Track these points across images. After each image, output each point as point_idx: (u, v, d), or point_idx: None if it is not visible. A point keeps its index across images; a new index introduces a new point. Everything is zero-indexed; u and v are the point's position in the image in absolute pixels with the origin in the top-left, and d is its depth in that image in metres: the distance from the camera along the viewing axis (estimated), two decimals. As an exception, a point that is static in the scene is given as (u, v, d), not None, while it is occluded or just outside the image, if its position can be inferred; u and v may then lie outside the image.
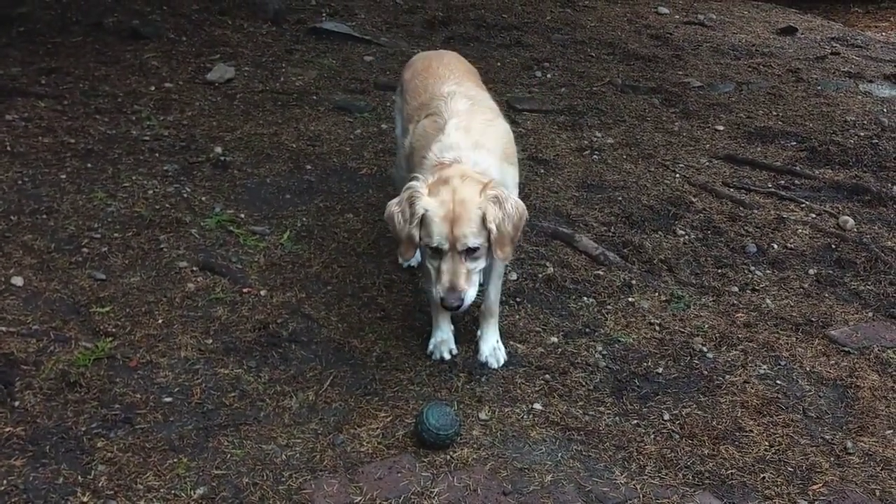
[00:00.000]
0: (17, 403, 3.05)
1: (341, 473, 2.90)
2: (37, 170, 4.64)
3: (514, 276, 4.13)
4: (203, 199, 4.56)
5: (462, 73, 3.75)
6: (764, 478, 3.05)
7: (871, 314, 4.12)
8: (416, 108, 3.56)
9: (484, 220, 3.00)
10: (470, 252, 3.01)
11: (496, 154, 3.27)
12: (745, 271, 4.41)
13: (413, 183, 3.08)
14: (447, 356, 3.51)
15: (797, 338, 3.88)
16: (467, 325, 3.68)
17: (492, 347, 3.52)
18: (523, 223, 3.15)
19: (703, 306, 4.06)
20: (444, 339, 3.52)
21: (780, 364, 3.69)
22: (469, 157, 3.16)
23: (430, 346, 3.53)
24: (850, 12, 11.42)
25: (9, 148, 4.83)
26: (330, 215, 4.55)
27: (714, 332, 3.85)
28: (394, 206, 3.12)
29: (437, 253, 3.03)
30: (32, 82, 5.72)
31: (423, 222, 3.04)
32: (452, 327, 3.56)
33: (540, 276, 4.16)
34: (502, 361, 3.51)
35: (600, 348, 3.68)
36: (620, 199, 5.02)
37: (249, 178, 4.85)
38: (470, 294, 3.03)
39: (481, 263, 3.11)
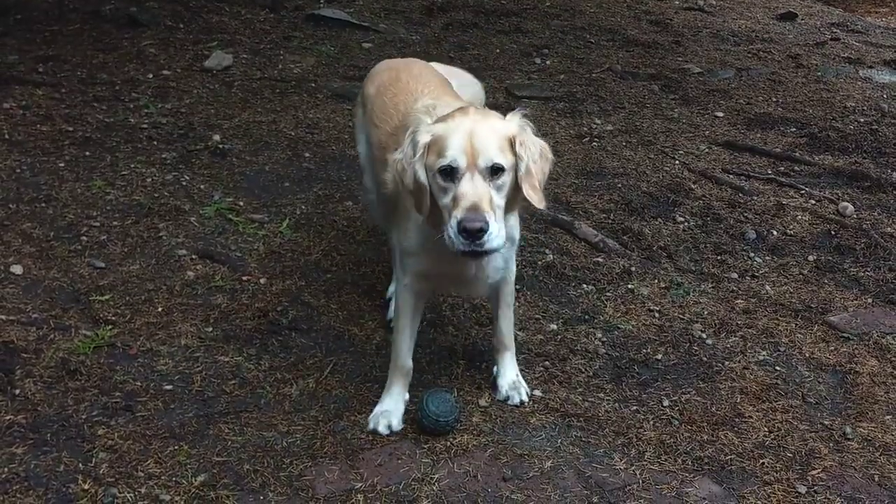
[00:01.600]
0: (17, 391, 3.06)
1: (342, 460, 2.91)
2: (35, 158, 4.63)
3: (513, 264, 4.12)
4: (202, 187, 4.56)
5: (437, 85, 3.20)
6: (763, 463, 3.06)
7: (870, 300, 4.12)
8: (390, 135, 3.03)
9: (510, 141, 2.58)
10: (494, 174, 2.54)
11: None
12: (745, 258, 4.41)
13: (418, 116, 2.70)
14: (384, 431, 2.99)
15: (796, 324, 3.88)
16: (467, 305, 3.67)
17: (511, 381, 3.20)
18: (550, 166, 2.74)
19: (702, 293, 4.07)
20: (387, 409, 3.02)
21: (779, 350, 3.69)
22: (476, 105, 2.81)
23: (371, 417, 3.03)
24: (850, -3, 11.36)
25: (7, 136, 4.81)
26: (329, 203, 4.54)
27: (713, 319, 3.86)
28: (397, 153, 2.68)
29: (452, 174, 2.52)
30: (30, 70, 5.70)
31: (433, 146, 2.55)
32: (406, 397, 3.10)
33: (539, 263, 4.16)
34: (525, 397, 3.17)
35: (600, 335, 3.69)
36: (620, 185, 5.01)
37: (248, 165, 4.84)
38: (494, 226, 2.46)
39: (504, 198, 2.59)
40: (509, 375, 3.24)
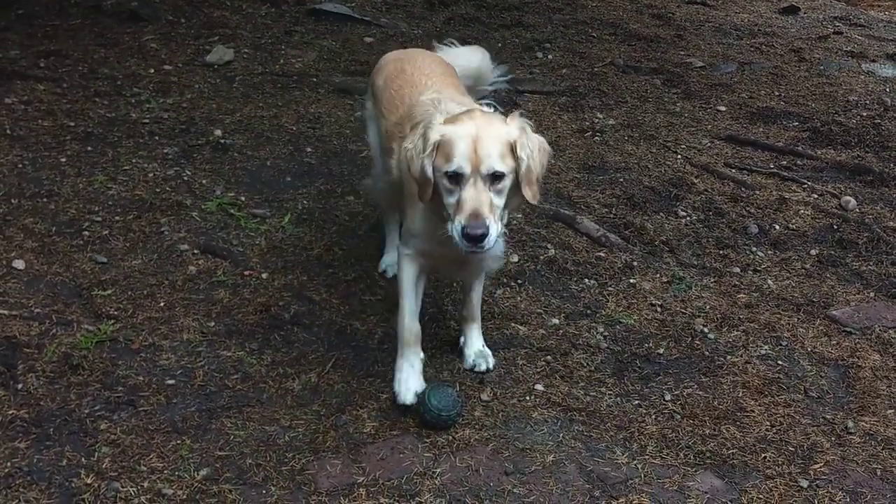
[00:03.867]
0: (20, 386, 3.06)
1: (344, 454, 2.91)
2: (37, 153, 4.63)
3: (515, 259, 4.12)
4: (203, 182, 4.56)
5: (440, 76, 3.37)
6: (765, 457, 3.06)
7: (872, 294, 4.12)
8: (395, 125, 3.24)
9: (511, 147, 2.75)
10: (495, 180, 2.73)
11: None
12: (747, 252, 4.41)
13: (429, 115, 2.86)
14: (412, 401, 3.08)
15: (798, 318, 3.88)
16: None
17: (478, 350, 3.37)
18: (548, 160, 2.94)
19: (704, 287, 4.07)
20: (409, 383, 3.11)
21: (781, 344, 3.69)
22: (483, 106, 2.97)
23: (396, 385, 3.12)
24: (853, -9, 11.32)
25: (8, 131, 4.81)
26: (331, 198, 4.54)
27: (715, 313, 3.86)
28: (408, 142, 2.88)
29: (457, 179, 2.72)
30: (31, 65, 5.70)
31: (441, 148, 2.73)
32: (422, 355, 3.19)
33: (541, 258, 4.16)
34: (492, 365, 3.33)
35: (601, 329, 3.69)
36: (622, 180, 5.01)
37: (249, 160, 4.84)
38: (493, 229, 2.68)
39: (504, 199, 2.79)
40: (476, 345, 3.39)
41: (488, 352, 3.39)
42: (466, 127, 2.75)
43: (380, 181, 3.65)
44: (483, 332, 3.53)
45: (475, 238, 2.67)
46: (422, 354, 3.22)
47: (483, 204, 2.69)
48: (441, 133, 2.75)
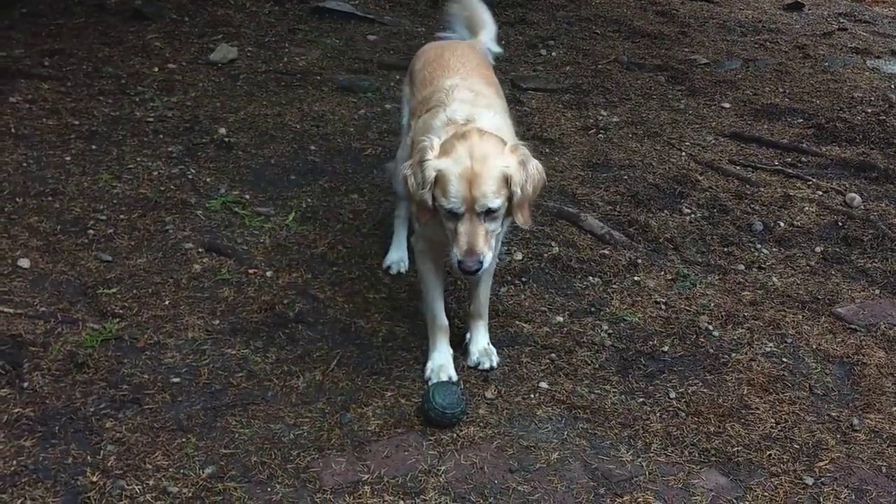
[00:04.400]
0: (25, 385, 3.07)
1: (349, 452, 2.92)
2: (41, 152, 4.64)
3: (519, 256, 4.12)
4: (208, 180, 4.56)
5: (473, 65, 3.52)
6: (770, 455, 3.06)
7: (877, 291, 4.11)
8: (420, 102, 3.40)
9: (506, 180, 2.87)
10: (489, 213, 2.87)
11: (509, 124, 3.18)
12: (752, 249, 4.40)
13: (425, 142, 2.93)
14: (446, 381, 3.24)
15: (803, 315, 3.87)
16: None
17: (483, 348, 3.39)
18: (542, 186, 3.07)
19: (709, 285, 4.06)
20: (442, 363, 3.28)
21: (786, 342, 3.69)
22: (483, 114, 3.06)
23: (428, 372, 3.28)
24: (857, -13, 11.27)
25: (13, 130, 4.82)
26: (335, 196, 4.55)
27: (720, 311, 3.85)
28: (407, 168, 3.00)
29: (454, 215, 2.88)
30: (36, 64, 5.71)
31: (438, 182, 2.88)
32: (451, 351, 3.34)
33: (545, 255, 4.16)
34: (496, 363, 3.36)
35: (606, 327, 3.68)
36: (626, 177, 5.00)
37: (254, 158, 4.84)
38: (488, 257, 2.90)
39: (499, 224, 2.97)
40: (481, 342, 3.41)
41: (493, 349, 3.41)
42: (461, 160, 2.85)
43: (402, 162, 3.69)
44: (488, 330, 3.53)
45: (470, 272, 2.90)
46: (451, 351, 3.34)
47: (478, 237, 2.86)
48: (437, 169, 2.88)
